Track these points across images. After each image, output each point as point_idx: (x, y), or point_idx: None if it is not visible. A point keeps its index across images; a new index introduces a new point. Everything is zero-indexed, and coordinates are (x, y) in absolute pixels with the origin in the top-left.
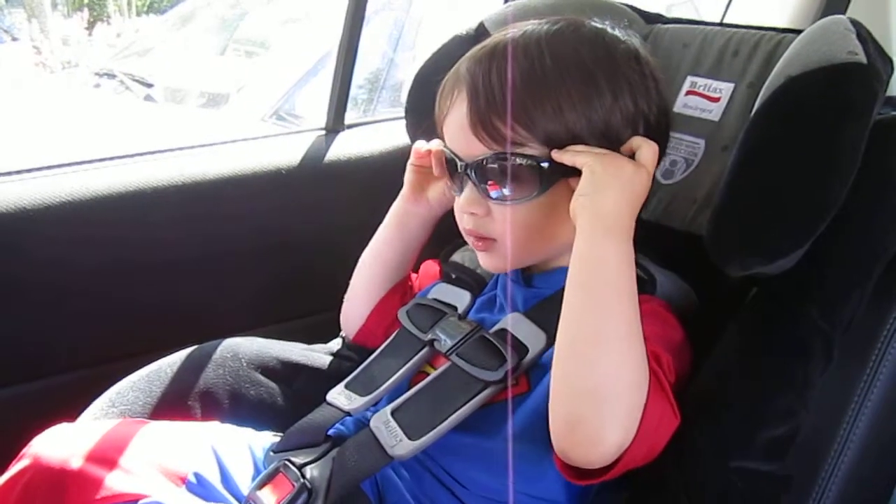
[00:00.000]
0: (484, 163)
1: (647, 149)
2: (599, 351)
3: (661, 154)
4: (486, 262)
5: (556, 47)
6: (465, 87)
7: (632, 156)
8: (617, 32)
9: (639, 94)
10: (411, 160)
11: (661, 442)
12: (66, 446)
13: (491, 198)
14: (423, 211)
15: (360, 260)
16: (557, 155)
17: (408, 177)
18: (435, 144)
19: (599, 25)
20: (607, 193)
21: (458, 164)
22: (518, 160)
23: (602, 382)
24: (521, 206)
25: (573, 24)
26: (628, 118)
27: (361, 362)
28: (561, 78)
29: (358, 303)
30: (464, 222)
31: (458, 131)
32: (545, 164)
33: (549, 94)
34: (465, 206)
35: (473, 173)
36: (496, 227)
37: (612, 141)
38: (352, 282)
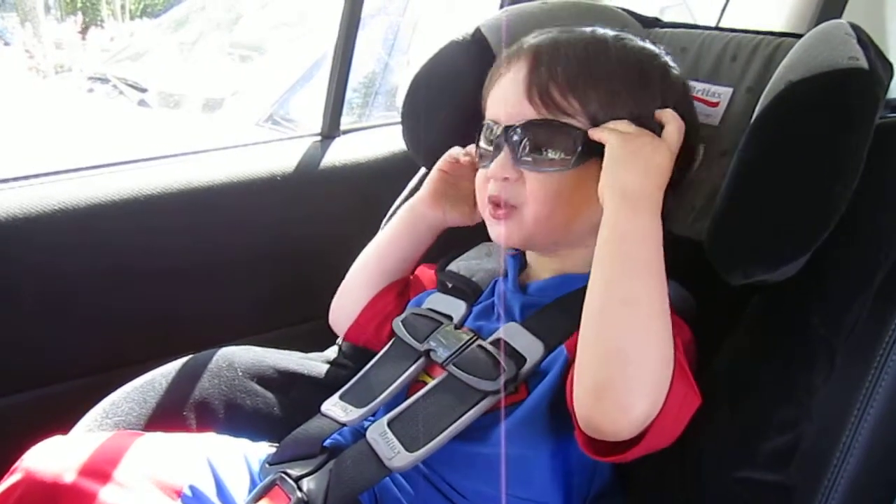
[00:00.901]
0: (527, 125)
1: (673, 125)
2: (629, 313)
3: (689, 167)
4: (500, 232)
5: (614, 43)
6: (528, 55)
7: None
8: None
9: (679, 103)
10: (439, 165)
11: (683, 421)
12: (60, 460)
13: (523, 162)
14: (438, 217)
15: (361, 256)
16: (592, 131)
17: (433, 180)
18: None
19: (641, 41)
20: (629, 170)
21: (496, 128)
22: (560, 130)
23: (632, 345)
24: (552, 176)
25: (619, 33)
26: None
27: (358, 371)
28: (621, 68)
29: (352, 297)
30: (489, 189)
31: (507, 95)
32: (582, 141)
33: (607, 78)
34: (498, 170)
35: (514, 135)
36: (523, 193)
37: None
38: (347, 276)
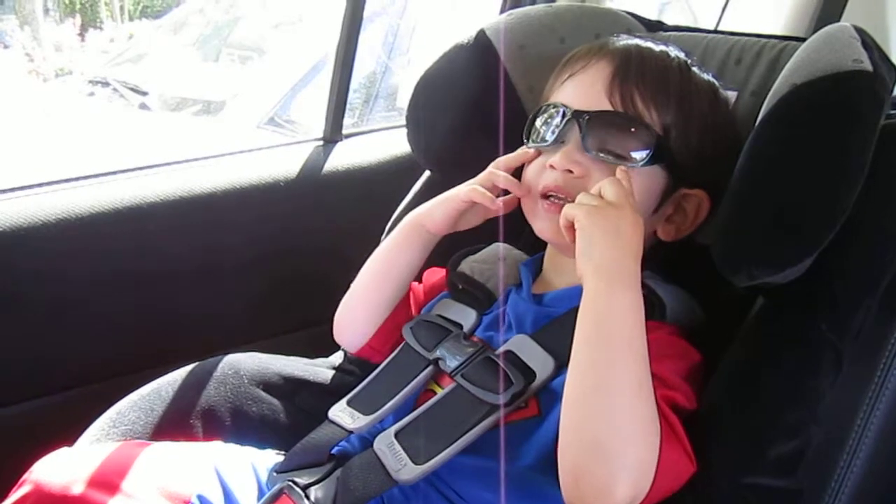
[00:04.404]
0: (601, 113)
1: (607, 187)
2: (606, 402)
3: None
4: (548, 227)
5: (692, 67)
6: (615, 57)
7: None
8: None
9: (732, 135)
10: (471, 197)
11: (674, 488)
12: (68, 471)
13: (591, 150)
14: (446, 231)
15: (363, 273)
16: (564, 210)
17: (454, 209)
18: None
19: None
20: (599, 243)
21: (565, 111)
22: (634, 125)
23: (611, 433)
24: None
25: (693, 59)
26: (718, 149)
27: (364, 376)
28: (699, 91)
29: (361, 318)
30: (546, 179)
31: (585, 88)
32: (654, 142)
33: (688, 98)
34: (564, 161)
35: (585, 121)
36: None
37: (703, 161)
38: (350, 293)
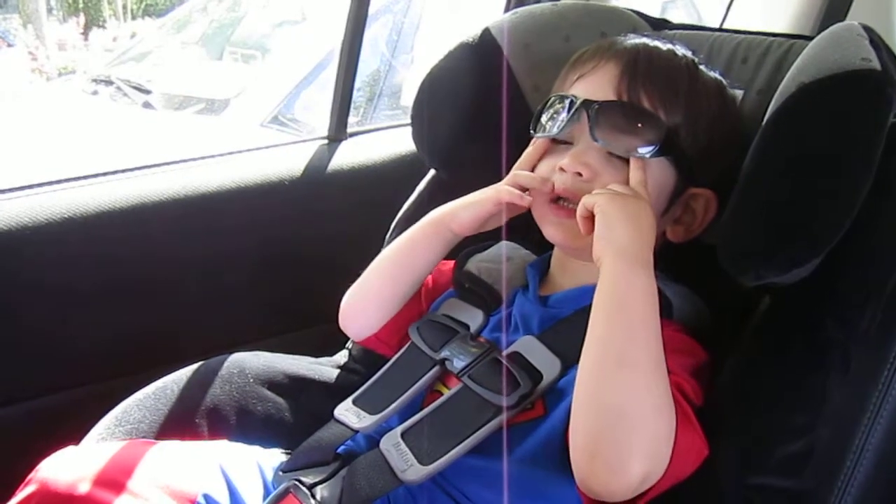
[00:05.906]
0: (610, 103)
1: (632, 173)
2: (626, 375)
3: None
4: (557, 230)
5: (698, 66)
6: (622, 59)
7: None
8: None
9: (739, 134)
10: (503, 198)
11: (688, 470)
12: (74, 470)
13: (599, 140)
14: (467, 232)
15: (382, 268)
16: (585, 198)
17: (484, 212)
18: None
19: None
20: (622, 227)
21: (575, 101)
22: (643, 116)
23: (628, 407)
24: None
25: (698, 58)
26: (725, 147)
27: (369, 375)
28: (707, 92)
29: (372, 310)
30: (558, 182)
31: (593, 88)
32: (663, 134)
33: (696, 100)
34: (573, 163)
35: (595, 110)
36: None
37: (711, 159)
38: (365, 285)
